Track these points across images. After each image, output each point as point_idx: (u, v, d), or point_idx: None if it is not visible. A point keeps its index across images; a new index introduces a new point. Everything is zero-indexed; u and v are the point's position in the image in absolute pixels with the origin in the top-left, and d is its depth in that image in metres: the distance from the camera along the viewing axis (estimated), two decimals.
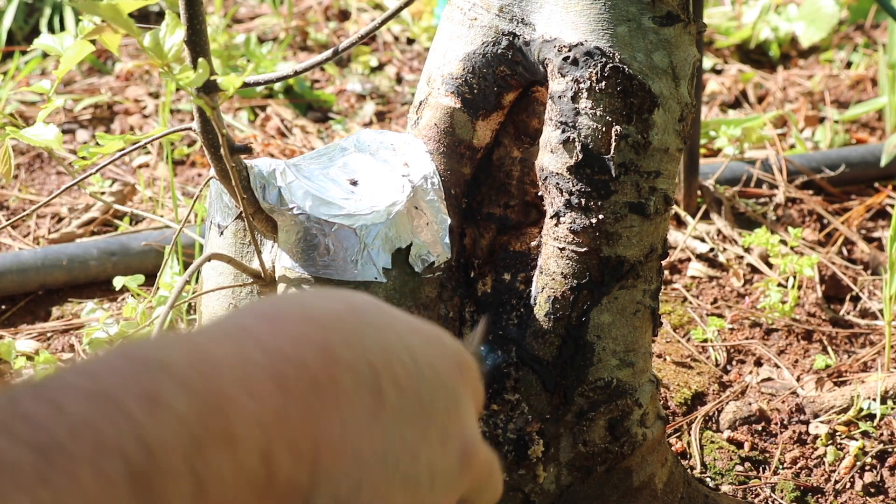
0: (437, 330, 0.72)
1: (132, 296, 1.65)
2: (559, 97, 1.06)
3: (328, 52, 1.04)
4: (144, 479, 0.49)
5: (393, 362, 0.63)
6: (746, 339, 1.69)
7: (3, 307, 1.77)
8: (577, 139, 1.06)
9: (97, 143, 1.08)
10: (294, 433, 0.57)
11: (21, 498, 0.46)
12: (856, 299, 1.81)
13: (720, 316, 1.74)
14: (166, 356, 0.54)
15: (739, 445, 1.45)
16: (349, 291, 0.66)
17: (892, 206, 2.04)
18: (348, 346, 0.61)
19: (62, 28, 2.60)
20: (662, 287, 1.28)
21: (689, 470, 1.32)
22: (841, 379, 1.60)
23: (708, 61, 2.65)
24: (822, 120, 2.41)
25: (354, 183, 1.13)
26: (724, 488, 1.38)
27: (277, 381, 0.57)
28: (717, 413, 1.51)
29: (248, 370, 0.56)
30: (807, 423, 1.50)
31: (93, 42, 1.18)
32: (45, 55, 2.51)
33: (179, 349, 0.55)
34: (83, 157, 1.08)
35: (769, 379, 1.61)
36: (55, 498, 0.47)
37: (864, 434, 1.47)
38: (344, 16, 2.85)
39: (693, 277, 1.86)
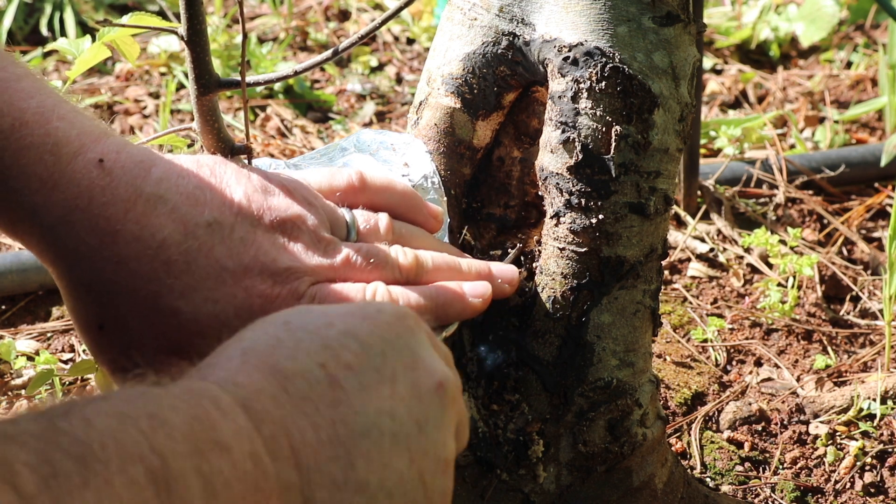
0: (369, 303, 0.82)
1: None
2: (559, 97, 1.06)
3: (328, 52, 1.04)
4: (163, 481, 0.59)
5: (338, 351, 0.72)
6: (746, 339, 1.69)
7: (3, 307, 1.77)
8: (577, 139, 1.06)
9: None
10: (269, 441, 0.67)
11: (71, 500, 0.55)
12: (856, 299, 1.81)
13: (720, 316, 1.74)
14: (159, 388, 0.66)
15: (739, 445, 1.45)
16: (283, 311, 0.77)
17: (892, 205, 2.04)
18: (292, 360, 0.71)
19: (62, 28, 2.60)
20: (662, 287, 1.28)
21: (689, 470, 1.32)
22: (841, 379, 1.60)
23: (708, 61, 2.65)
24: (822, 120, 2.41)
25: None
26: (724, 488, 1.38)
27: (243, 403, 0.67)
28: (717, 413, 1.51)
29: (220, 397, 0.67)
30: (807, 423, 1.50)
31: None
32: (45, 55, 2.51)
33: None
34: None
35: (769, 379, 1.61)
36: (97, 499, 0.56)
37: (864, 434, 1.47)
38: (344, 16, 2.86)
39: (693, 277, 1.86)
